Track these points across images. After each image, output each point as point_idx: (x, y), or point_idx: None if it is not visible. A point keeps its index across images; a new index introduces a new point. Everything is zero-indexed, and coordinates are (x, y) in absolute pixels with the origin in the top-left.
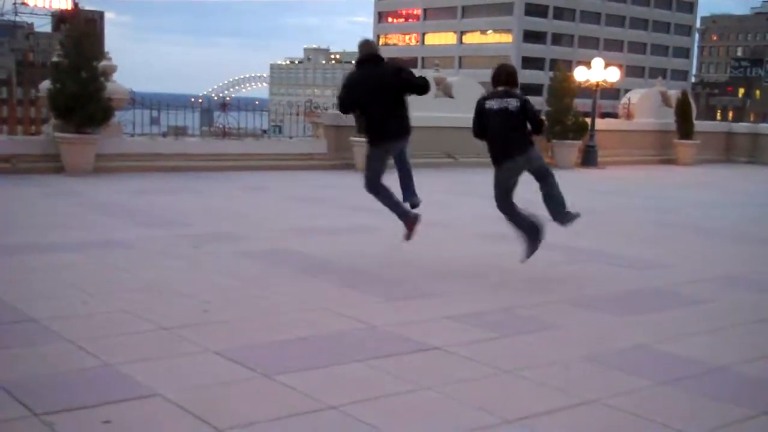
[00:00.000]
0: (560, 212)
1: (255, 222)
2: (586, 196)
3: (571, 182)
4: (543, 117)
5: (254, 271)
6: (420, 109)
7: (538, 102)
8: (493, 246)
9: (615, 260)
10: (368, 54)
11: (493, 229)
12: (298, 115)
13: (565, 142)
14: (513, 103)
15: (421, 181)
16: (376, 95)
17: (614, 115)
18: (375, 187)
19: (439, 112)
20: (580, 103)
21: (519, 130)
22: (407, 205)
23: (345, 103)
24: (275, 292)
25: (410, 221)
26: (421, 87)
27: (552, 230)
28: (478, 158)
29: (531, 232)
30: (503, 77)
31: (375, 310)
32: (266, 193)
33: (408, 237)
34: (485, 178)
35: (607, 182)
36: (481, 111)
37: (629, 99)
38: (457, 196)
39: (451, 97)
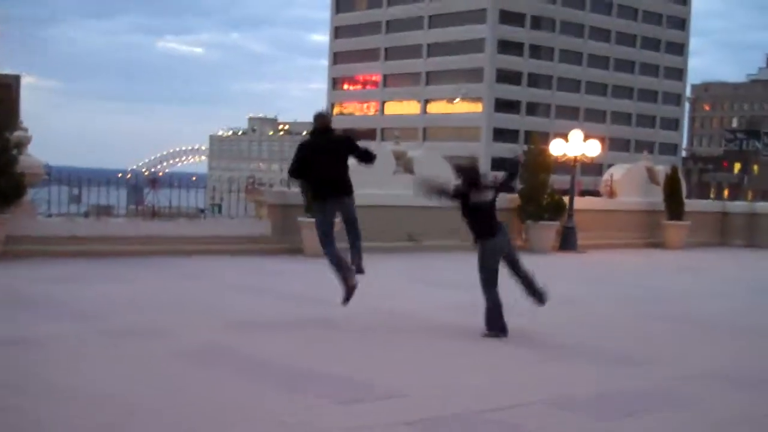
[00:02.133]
0: (536, 290)
1: (187, 315)
2: (565, 283)
3: (547, 268)
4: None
5: (185, 373)
6: (377, 186)
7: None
8: (458, 342)
9: (597, 356)
10: (321, 125)
11: (455, 322)
12: (239, 192)
13: (540, 224)
14: (490, 196)
15: (376, 266)
16: (322, 157)
17: (595, 193)
18: (325, 241)
19: (398, 189)
20: (557, 180)
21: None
22: (352, 273)
23: (294, 166)
24: (208, 399)
25: (349, 288)
26: (365, 153)
27: (529, 324)
28: (443, 241)
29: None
30: (474, 175)
31: (323, 415)
32: (201, 282)
33: (345, 301)
34: (450, 264)
35: (587, 268)
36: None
37: (612, 175)
38: (417, 283)
39: (412, 173)
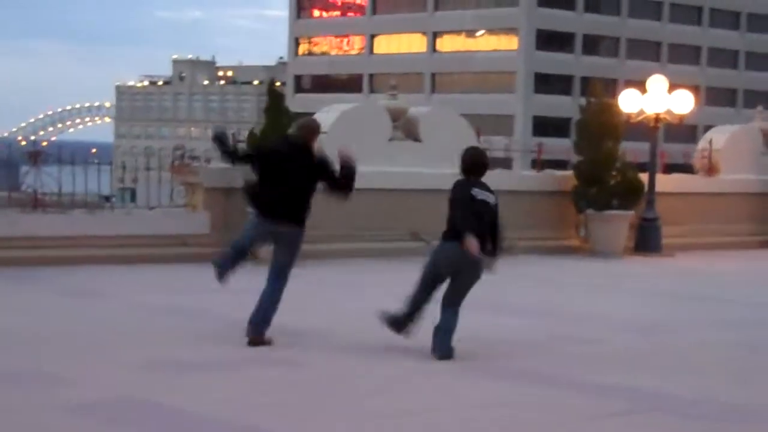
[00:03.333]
0: (443, 345)
1: (88, 352)
2: (643, 302)
3: (617, 279)
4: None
5: None
6: (365, 160)
7: (563, 146)
8: (479, 390)
9: (687, 408)
10: (302, 138)
11: (488, 358)
12: (162, 170)
13: (606, 214)
14: (493, 199)
15: (365, 279)
16: (287, 166)
17: (687, 169)
18: (236, 249)
19: (397, 164)
20: (630, 150)
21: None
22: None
23: (249, 152)
24: None
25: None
26: (344, 180)
27: (596, 365)
28: None
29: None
30: (480, 168)
31: None
32: (108, 303)
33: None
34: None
35: (675, 280)
36: (470, 197)
37: (711, 142)
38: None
39: (416, 140)
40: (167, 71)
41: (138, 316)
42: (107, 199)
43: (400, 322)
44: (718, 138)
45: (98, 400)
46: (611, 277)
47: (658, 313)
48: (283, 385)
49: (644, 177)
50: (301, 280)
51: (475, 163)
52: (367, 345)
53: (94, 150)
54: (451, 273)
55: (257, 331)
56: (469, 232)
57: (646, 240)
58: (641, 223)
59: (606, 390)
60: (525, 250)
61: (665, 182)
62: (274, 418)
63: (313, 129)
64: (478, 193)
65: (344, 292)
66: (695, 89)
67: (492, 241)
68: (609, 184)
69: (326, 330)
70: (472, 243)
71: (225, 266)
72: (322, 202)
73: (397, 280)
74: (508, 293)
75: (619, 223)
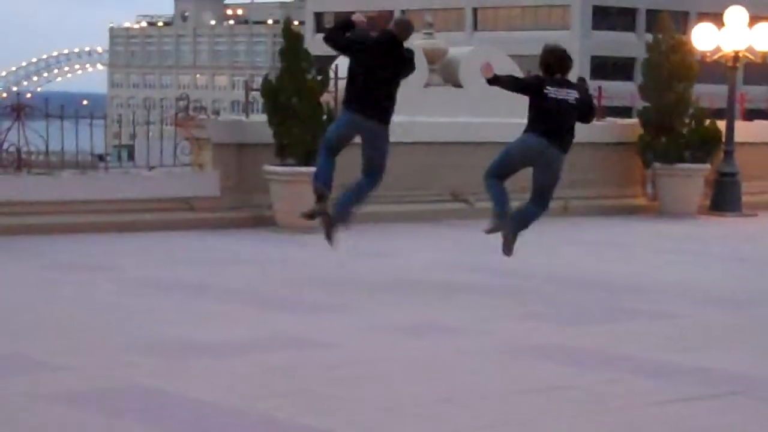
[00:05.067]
0: (514, 231)
1: (79, 334)
2: (722, 269)
3: (690, 242)
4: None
5: (77, 427)
6: (400, 111)
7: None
8: (529, 372)
9: None
10: (399, 35)
11: (544, 336)
12: (164, 124)
13: (677, 168)
14: (573, 95)
15: (399, 246)
16: (377, 62)
17: None
18: (324, 153)
19: (434, 113)
20: (705, 94)
21: (573, 128)
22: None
23: (343, 38)
24: None
25: (318, 212)
26: (409, 65)
27: (667, 343)
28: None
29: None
30: (556, 64)
31: None
32: (102, 276)
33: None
34: (518, 240)
35: (759, 244)
36: (538, 90)
37: None
38: (468, 275)
39: (456, 85)
40: (168, 10)
41: (138, 292)
42: (101, 158)
43: (506, 224)
44: None
45: (92, 388)
46: (684, 240)
47: (740, 282)
48: (302, 369)
49: (721, 125)
50: (321, 248)
51: (547, 60)
52: (397, 323)
53: (85, 102)
54: (525, 164)
55: (335, 209)
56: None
57: (724, 197)
58: (718, 178)
59: (677, 371)
60: (584, 209)
61: (746, 130)
62: (292, 406)
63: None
64: (550, 91)
65: (373, 262)
66: None
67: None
68: (680, 133)
69: (353, 306)
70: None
71: (322, 182)
72: (343, 163)
73: (435, 247)
74: (564, 259)
75: (693, 179)
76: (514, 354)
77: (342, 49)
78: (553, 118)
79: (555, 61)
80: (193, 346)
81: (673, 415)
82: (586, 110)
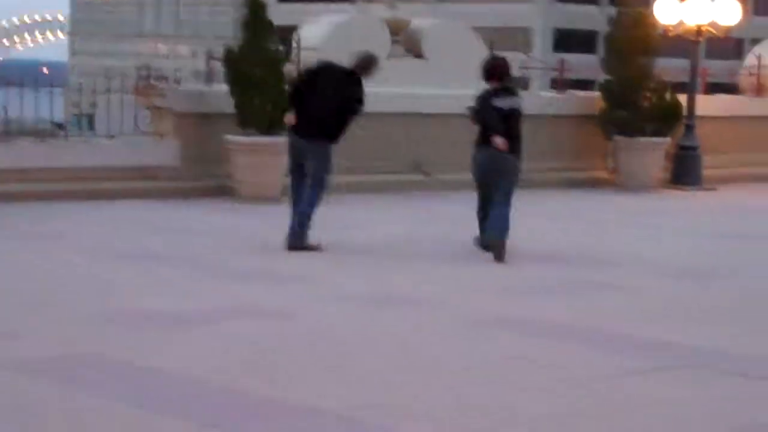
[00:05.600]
0: (495, 236)
1: (36, 303)
2: (681, 243)
3: (650, 216)
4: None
5: (30, 395)
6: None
7: (590, 63)
8: (496, 344)
9: (741, 366)
10: (359, 67)
11: (506, 309)
12: (125, 93)
13: (638, 142)
14: (518, 102)
15: (361, 217)
16: (321, 89)
17: (732, 89)
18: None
19: (398, 84)
20: (667, 67)
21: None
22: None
23: (295, 89)
24: None
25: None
26: (355, 109)
27: (627, 316)
28: (469, 174)
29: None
30: (497, 74)
31: None
32: (59, 245)
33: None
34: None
35: (718, 217)
36: (492, 108)
37: (759, 58)
38: (431, 247)
39: (419, 57)
40: None
41: (97, 261)
42: (60, 126)
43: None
44: None
45: (51, 357)
46: (644, 213)
47: (699, 255)
48: (270, 341)
49: (682, 99)
50: (283, 219)
51: (488, 70)
52: (367, 295)
53: (45, 70)
54: (495, 174)
55: (295, 237)
56: (496, 132)
57: (684, 171)
58: (678, 151)
59: (635, 344)
60: (544, 182)
61: (707, 104)
62: (251, 376)
63: (372, 60)
64: (499, 102)
65: (334, 233)
66: None
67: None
68: (642, 106)
69: (314, 277)
70: (498, 141)
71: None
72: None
73: (396, 218)
74: (525, 233)
75: (653, 152)
76: (474, 326)
77: None
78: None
79: (493, 68)
80: (152, 316)
81: (633, 387)
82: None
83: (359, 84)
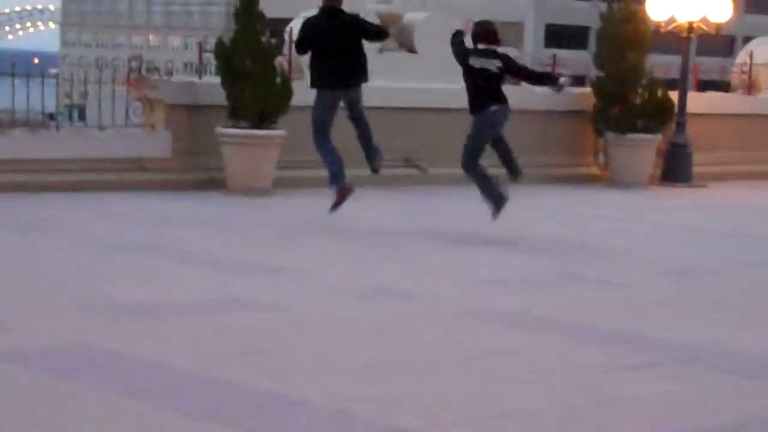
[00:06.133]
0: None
1: (27, 294)
2: (671, 239)
3: (641, 212)
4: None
5: (24, 389)
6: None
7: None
8: (483, 338)
9: (717, 362)
10: (328, 5)
11: (493, 302)
12: (116, 84)
13: (629, 138)
14: (496, 64)
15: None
16: (331, 39)
17: (724, 86)
18: (319, 137)
19: (390, 78)
20: (658, 63)
21: (497, 89)
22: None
23: (303, 43)
24: None
25: (340, 190)
26: (376, 33)
27: (616, 311)
28: (459, 168)
29: (494, 194)
30: (482, 35)
31: None
32: (48, 237)
33: (334, 207)
34: (469, 205)
35: (710, 215)
36: (467, 66)
37: (752, 55)
38: (421, 240)
39: (411, 51)
40: None
41: (87, 252)
42: (52, 117)
43: (499, 197)
44: (760, 51)
45: (39, 348)
46: (635, 210)
47: (689, 252)
48: (260, 332)
49: (674, 95)
50: (279, 211)
51: (477, 32)
52: (358, 287)
53: (36, 60)
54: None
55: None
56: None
57: (675, 168)
58: (669, 148)
59: (625, 339)
60: (535, 178)
61: (698, 102)
62: (250, 369)
63: None
64: (475, 61)
65: (326, 226)
66: None
67: (534, 79)
68: (633, 103)
69: (305, 269)
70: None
71: (333, 164)
72: (297, 126)
73: (388, 212)
74: (516, 227)
75: (645, 149)
76: (463, 319)
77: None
78: (477, 86)
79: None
80: (142, 307)
81: (621, 382)
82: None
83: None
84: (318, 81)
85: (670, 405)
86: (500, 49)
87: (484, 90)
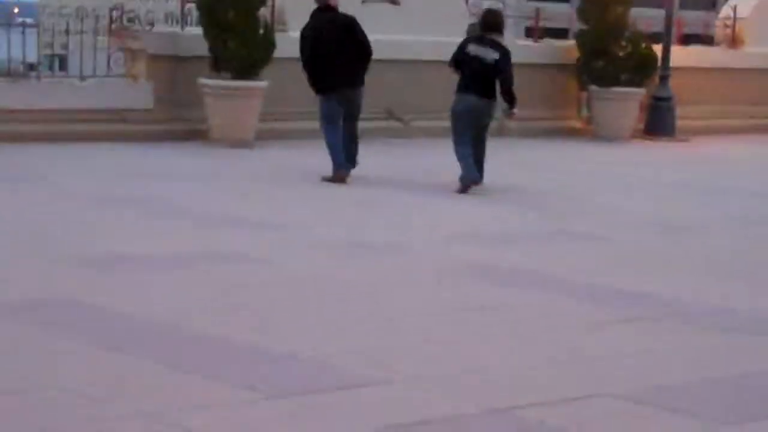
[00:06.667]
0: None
1: (8, 246)
2: (654, 194)
3: (624, 166)
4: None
5: (3, 344)
6: None
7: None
8: (469, 293)
9: (701, 318)
10: (322, 3)
11: (477, 256)
12: (97, 34)
13: (613, 92)
14: (491, 55)
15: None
16: (329, 42)
17: (707, 40)
18: (330, 126)
19: (372, 30)
20: (642, 17)
21: (487, 81)
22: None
23: (307, 56)
24: (52, 386)
25: (340, 175)
26: (366, 55)
27: (600, 266)
28: (443, 122)
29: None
30: (486, 25)
31: (251, 418)
32: (32, 189)
33: (326, 179)
34: (451, 159)
35: (692, 169)
36: (463, 53)
37: (734, 9)
38: (404, 193)
39: (393, 2)
40: None
41: (69, 205)
42: (32, 67)
43: (471, 179)
44: (744, 5)
45: (21, 300)
46: (617, 164)
47: (672, 207)
48: (246, 286)
49: (657, 49)
50: (261, 164)
51: (483, 21)
52: (334, 241)
53: (16, 9)
54: (472, 118)
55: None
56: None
57: (658, 122)
58: (653, 102)
59: (610, 294)
60: (518, 131)
61: (681, 55)
62: (225, 322)
63: None
64: (472, 49)
65: (308, 178)
66: None
67: (504, 93)
68: (617, 56)
69: (288, 222)
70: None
71: (334, 149)
72: (279, 78)
73: (370, 164)
74: (499, 181)
75: (628, 102)
76: (447, 273)
77: None
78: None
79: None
80: (125, 260)
81: (606, 337)
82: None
83: (354, 25)
84: (322, 85)
85: (661, 360)
86: (503, 42)
87: (473, 78)
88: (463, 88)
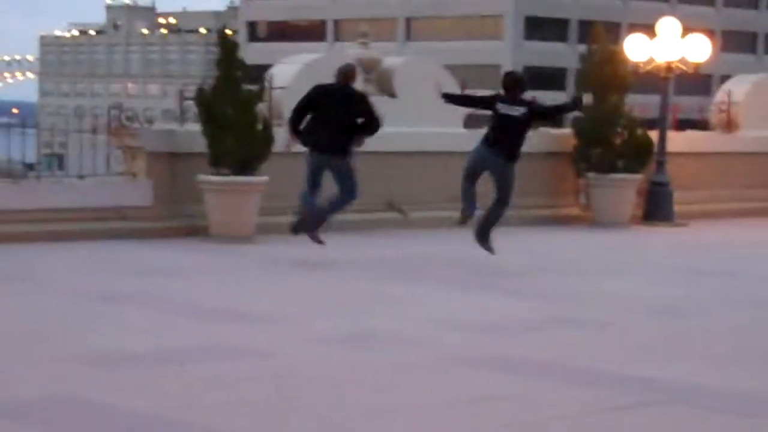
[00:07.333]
0: (484, 234)
1: (7, 344)
2: (654, 279)
3: (623, 252)
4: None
5: None
6: None
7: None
8: (471, 383)
9: (708, 401)
10: (341, 80)
11: (479, 346)
12: (95, 133)
13: (610, 178)
14: (520, 112)
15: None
16: (330, 106)
17: (703, 125)
18: (307, 189)
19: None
20: (638, 103)
21: (514, 138)
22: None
23: (304, 109)
24: None
25: (313, 237)
26: (371, 123)
27: (603, 352)
28: (443, 211)
29: (471, 208)
30: (509, 85)
31: None
32: (32, 286)
33: (296, 231)
34: (451, 248)
35: (690, 254)
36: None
37: (729, 94)
38: (405, 283)
39: (391, 95)
40: (100, 18)
41: (70, 303)
42: (31, 167)
43: (469, 216)
44: (738, 89)
45: (20, 399)
46: (617, 250)
47: (672, 292)
48: (251, 381)
49: (654, 135)
50: (262, 258)
51: (505, 82)
52: (334, 334)
53: (15, 110)
54: (484, 171)
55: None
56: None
57: (656, 207)
58: (650, 188)
59: (615, 380)
60: (517, 219)
61: (677, 141)
62: (224, 417)
63: (351, 68)
64: (501, 107)
65: (309, 272)
66: (710, 33)
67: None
68: (613, 143)
69: (289, 317)
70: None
71: (308, 211)
72: (279, 172)
73: (371, 257)
74: (500, 269)
75: (625, 189)
76: (450, 364)
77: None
78: (500, 131)
79: (506, 81)
80: (125, 357)
81: (609, 424)
82: (537, 113)
83: (364, 100)
84: (310, 141)
85: None
86: (527, 97)
87: (502, 134)
88: (485, 140)
